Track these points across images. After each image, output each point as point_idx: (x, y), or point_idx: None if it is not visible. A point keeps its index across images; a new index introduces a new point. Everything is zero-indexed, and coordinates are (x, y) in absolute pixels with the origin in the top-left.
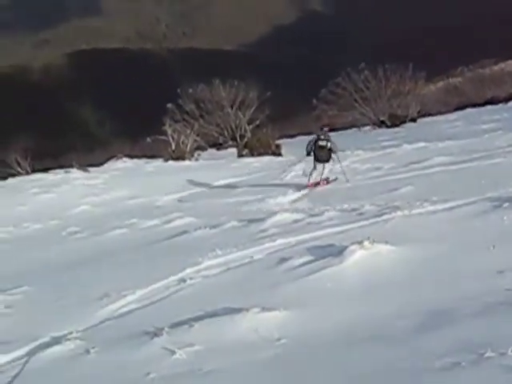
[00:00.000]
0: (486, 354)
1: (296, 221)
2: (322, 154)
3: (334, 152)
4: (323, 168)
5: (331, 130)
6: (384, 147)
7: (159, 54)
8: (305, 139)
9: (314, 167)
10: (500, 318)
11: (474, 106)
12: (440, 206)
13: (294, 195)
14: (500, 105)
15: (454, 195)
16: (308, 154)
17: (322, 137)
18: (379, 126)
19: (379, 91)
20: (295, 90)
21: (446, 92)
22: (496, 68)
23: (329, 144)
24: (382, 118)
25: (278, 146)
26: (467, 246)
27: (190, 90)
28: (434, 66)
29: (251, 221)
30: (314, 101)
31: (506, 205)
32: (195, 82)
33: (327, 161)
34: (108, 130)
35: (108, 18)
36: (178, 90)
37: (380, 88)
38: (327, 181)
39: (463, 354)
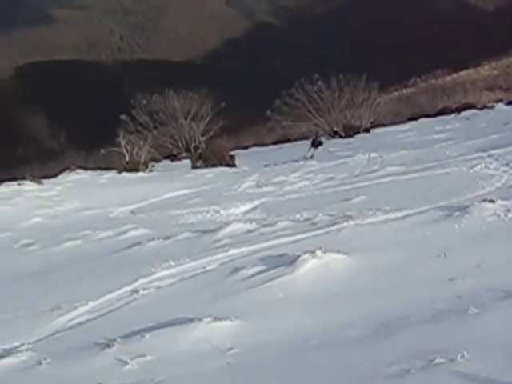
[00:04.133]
0: (436, 361)
1: (249, 231)
2: (319, 141)
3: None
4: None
5: (286, 140)
6: (337, 157)
7: (113, 66)
8: (258, 151)
9: (313, 151)
10: (450, 325)
11: (427, 116)
12: (392, 215)
13: (247, 206)
14: (452, 115)
15: (406, 204)
16: (313, 144)
17: (319, 136)
18: (333, 137)
19: (333, 102)
20: (250, 101)
21: (400, 102)
22: (448, 78)
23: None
24: (335, 129)
25: (231, 157)
26: (419, 255)
27: (144, 102)
28: (388, 77)
29: (204, 231)
30: (268, 112)
31: (457, 213)
32: (149, 94)
33: (321, 145)
34: (62, 142)
35: (59, 28)
36: (132, 102)
37: (334, 99)
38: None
39: (413, 361)
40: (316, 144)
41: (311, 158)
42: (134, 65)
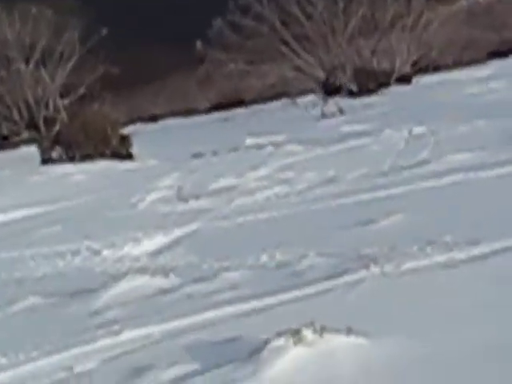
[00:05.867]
0: None
1: (163, 291)
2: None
3: None
4: None
5: (237, 102)
6: (345, 137)
7: None
8: (180, 125)
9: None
10: None
11: None
12: (459, 254)
13: (158, 239)
14: None
15: (485, 231)
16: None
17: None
18: (335, 94)
19: (333, 22)
20: (157, 20)
21: (470, 21)
22: None
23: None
24: (340, 78)
25: (124, 140)
26: None
27: None
28: None
29: (72, 294)
30: (198, 44)
31: None
32: None
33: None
34: None
35: None
36: None
37: (334, 15)
38: None
39: None
40: (331, 91)
41: (323, 116)
42: None
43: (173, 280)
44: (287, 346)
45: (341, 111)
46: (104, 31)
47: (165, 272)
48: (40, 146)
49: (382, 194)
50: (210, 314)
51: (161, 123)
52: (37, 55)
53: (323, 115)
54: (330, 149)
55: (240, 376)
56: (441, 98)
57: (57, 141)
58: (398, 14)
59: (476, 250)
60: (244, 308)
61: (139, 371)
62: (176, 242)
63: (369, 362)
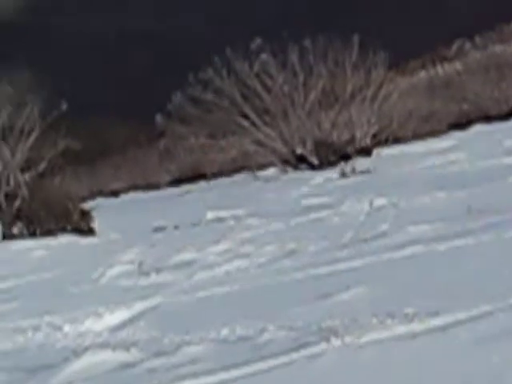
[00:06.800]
0: None
1: (124, 366)
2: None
3: None
4: None
5: (197, 176)
6: (306, 209)
7: None
8: (141, 199)
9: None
10: None
11: (488, 119)
12: (419, 326)
13: (119, 314)
14: None
15: (447, 302)
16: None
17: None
18: (295, 167)
19: (293, 95)
20: (118, 95)
21: (432, 93)
22: None
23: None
24: (299, 151)
25: (85, 215)
26: None
27: None
28: (405, 42)
29: (32, 370)
30: (158, 118)
31: None
32: None
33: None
34: None
35: None
36: None
37: (295, 88)
38: None
39: None
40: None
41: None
42: None
43: (134, 354)
44: None
45: (343, 175)
46: (64, 106)
47: (126, 347)
48: (1, 222)
49: (342, 266)
50: None
51: (122, 197)
52: None
53: (343, 175)
54: (290, 222)
55: None
56: (401, 169)
57: (18, 216)
58: (357, 87)
59: (436, 321)
60: (205, 382)
61: None
62: (137, 317)
63: None
